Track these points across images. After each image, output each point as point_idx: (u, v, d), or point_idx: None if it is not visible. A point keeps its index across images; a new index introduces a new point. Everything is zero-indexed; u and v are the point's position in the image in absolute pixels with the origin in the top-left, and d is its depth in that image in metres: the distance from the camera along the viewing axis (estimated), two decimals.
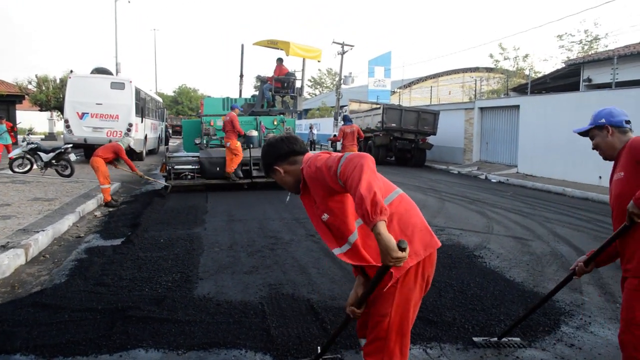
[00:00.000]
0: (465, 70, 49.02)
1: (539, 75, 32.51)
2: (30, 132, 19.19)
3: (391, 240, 2.06)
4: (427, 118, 22.33)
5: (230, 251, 6.32)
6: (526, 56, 36.03)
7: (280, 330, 3.92)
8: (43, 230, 6.96)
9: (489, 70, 41.71)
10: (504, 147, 20.81)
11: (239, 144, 12.32)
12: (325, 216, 2.58)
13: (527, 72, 33.87)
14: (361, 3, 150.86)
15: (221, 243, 6.73)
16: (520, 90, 24.36)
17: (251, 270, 5.51)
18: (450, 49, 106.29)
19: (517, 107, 19.49)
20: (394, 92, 46.11)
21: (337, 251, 2.64)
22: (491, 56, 37.39)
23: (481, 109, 22.28)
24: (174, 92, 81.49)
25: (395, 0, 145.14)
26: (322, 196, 2.54)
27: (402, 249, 2.06)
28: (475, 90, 25.09)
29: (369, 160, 2.24)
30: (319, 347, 3.55)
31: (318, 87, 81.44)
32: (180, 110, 75.32)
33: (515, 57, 35.76)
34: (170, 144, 31.99)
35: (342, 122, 16.48)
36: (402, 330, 2.54)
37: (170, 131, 36.43)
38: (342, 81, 37.75)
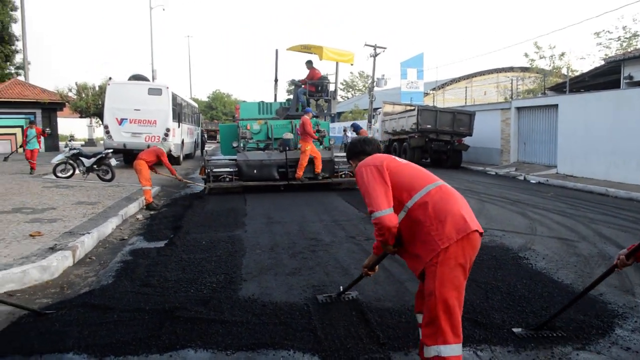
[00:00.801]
0: (499, 71, 48.31)
1: (577, 73, 31.82)
2: (72, 138, 19.57)
3: (388, 248, 3.15)
4: (463, 119, 22.06)
5: (272, 253, 6.33)
6: (562, 54, 35.23)
7: (327, 332, 3.91)
8: (88, 233, 7.10)
9: (524, 69, 40.97)
10: (542, 148, 20.39)
11: (311, 146, 12.84)
12: None
13: (564, 71, 33.20)
14: (393, 4, 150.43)
15: (262, 245, 6.75)
16: (558, 89, 23.85)
17: (294, 272, 5.51)
18: (484, 49, 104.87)
19: (556, 106, 19.08)
20: (426, 93, 45.73)
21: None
22: (526, 55, 36.67)
23: (518, 108, 21.89)
24: (208, 97, 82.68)
25: (427, 0, 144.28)
26: None
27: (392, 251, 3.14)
28: (512, 90, 24.64)
29: (387, 231, 2.96)
30: (341, 287, 4.69)
31: (350, 90, 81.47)
32: (214, 115, 76.32)
33: (552, 56, 35.02)
34: (205, 148, 32.39)
35: (353, 132, 16.64)
36: (449, 309, 2.81)
37: (206, 136, 36.87)
38: (374, 83, 37.59)
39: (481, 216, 9.36)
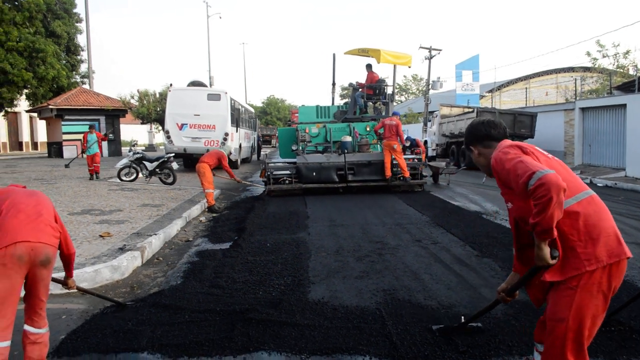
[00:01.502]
0: (558, 71, 46.77)
1: None
2: (136, 143, 19.95)
3: (547, 253, 2.36)
4: (524, 120, 21.41)
5: (338, 256, 6.23)
6: (627, 52, 33.69)
7: (402, 337, 3.76)
8: (155, 234, 7.21)
9: (586, 69, 39.47)
10: (609, 149, 19.51)
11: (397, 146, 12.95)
12: (509, 204, 2.73)
13: (630, 70, 31.76)
14: (449, 6, 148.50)
15: (327, 248, 6.66)
16: (625, 88, 22.79)
17: (362, 275, 5.38)
18: (542, 50, 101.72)
19: (624, 106, 18.21)
20: (482, 96, 44.77)
21: None
22: (588, 54, 35.42)
23: (582, 109, 21.04)
24: (263, 102, 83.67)
25: (483, 1, 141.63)
26: (501, 186, 2.71)
27: (554, 257, 2.38)
28: (575, 90, 23.71)
29: (556, 192, 2.27)
30: (462, 317, 3.93)
31: (404, 93, 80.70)
32: (268, 120, 77.18)
33: (616, 54, 33.56)
34: (262, 152, 32.73)
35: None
36: (580, 340, 2.42)
37: (261, 140, 37.29)
38: (430, 86, 37.01)
39: None
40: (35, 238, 3.08)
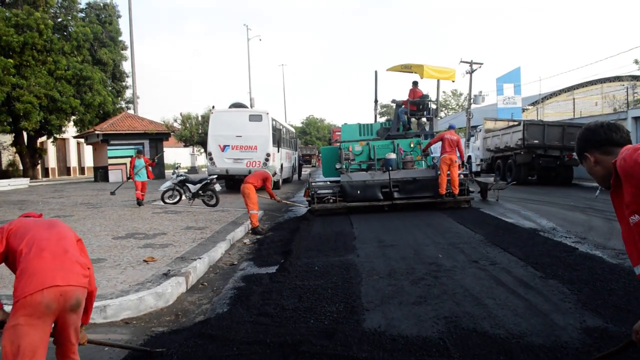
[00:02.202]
0: (603, 81, 45.36)
1: None
2: (179, 166, 20.01)
3: None
4: (574, 132, 20.52)
5: (391, 279, 5.87)
6: None
7: None
8: (200, 258, 7.02)
9: (634, 78, 38.09)
10: None
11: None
12: (635, 217, 2.25)
13: None
14: (489, 19, 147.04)
15: (379, 271, 6.31)
16: None
17: (419, 301, 5.01)
18: (587, 59, 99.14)
19: None
20: (525, 109, 43.77)
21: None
22: (636, 62, 34.03)
23: (635, 118, 20.17)
24: (302, 122, 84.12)
25: (526, 14, 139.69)
26: (635, 194, 2.21)
27: None
28: (627, 99, 22.76)
29: None
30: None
31: (443, 109, 79.77)
32: (308, 140, 77.41)
33: None
34: (302, 172, 32.64)
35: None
36: None
37: (302, 160, 37.23)
38: (472, 100, 36.32)
39: (614, 237, 8.33)
40: (64, 281, 2.76)
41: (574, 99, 31.49)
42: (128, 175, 16.18)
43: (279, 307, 4.97)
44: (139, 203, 14.30)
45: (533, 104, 47.33)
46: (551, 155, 20.48)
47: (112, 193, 17.99)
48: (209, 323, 4.66)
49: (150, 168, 15.04)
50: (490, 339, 3.99)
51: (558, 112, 44.32)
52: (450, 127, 14.02)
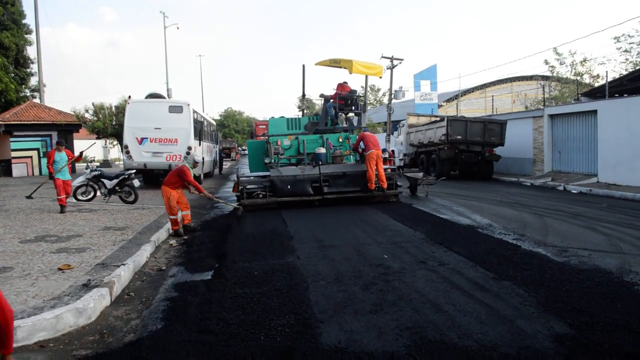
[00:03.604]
0: (512, 80, 47.59)
1: (600, 80, 30.84)
2: (93, 160, 18.49)
3: None
4: (494, 128, 21.16)
5: (340, 285, 5.43)
6: (584, 61, 34.27)
7: None
8: (124, 264, 6.29)
9: (544, 78, 40.07)
10: (579, 156, 19.43)
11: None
12: None
13: (592, 77, 32.29)
14: (408, 17, 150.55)
15: (324, 275, 5.86)
16: (592, 94, 22.89)
17: (375, 309, 4.61)
18: (501, 59, 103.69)
19: (594, 112, 18.17)
20: (440, 105, 45.10)
21: None
22: (546, 62, 35.76)
23: (551, 116, 20.97)
24: (220, 115, 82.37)
25: (442, 13, 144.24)
26: None
27: None
28: (544, 98, 23.69)
29: None
30: None
31: (361, 104, 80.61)
32: (226, 133, 75.90)
33: (572, 63, 34.08)
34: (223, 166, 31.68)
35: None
36: None
37: (222, 154, 36.17)
38: (392, 95, 36.74)
39: (550, 233, 8.45)
40: None
41: (485, 96, 32.43)
42: (50, 173, 11.92)
43: (221, 321, 4.41)
44: (63, 209, 11.44)
45: (448, 100, 48.89)
46: (473, 150, 20.95)
47: (29, 197, 13.87)
48: (141, 344, 4.04)
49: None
50: (461, 351, 3.66)
51: (472, 109, 46.00)
52: (364, 130, 14.21)
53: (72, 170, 21.80)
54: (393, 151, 26.66)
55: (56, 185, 11.56)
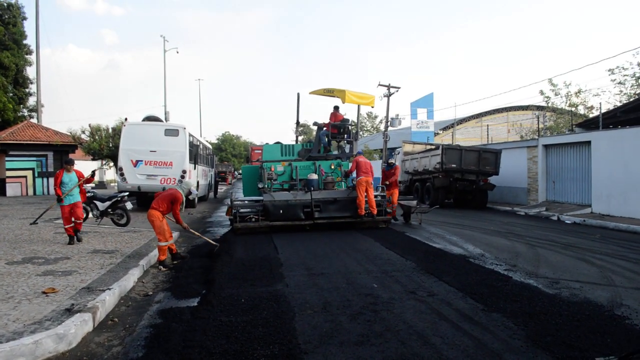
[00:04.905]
0: (509, 109, 47.92)
1: (594, 111, 31.12)
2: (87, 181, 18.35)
3: None
4: (489, 157, 21.23)
5: (327, 314, 5.36)
6: (579, 92, 34.59)
7: None
8: (109, 289, 6.20)
9: (539, 108, 40.37)
10: (573, 186, 19.47)
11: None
12: None
13: (587, 108, 32.52)
14: (406, 47, 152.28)
15: (312, 303, 5.78)
16: (586, 125, 23.04)
17: (361, 340, 4.53)
18: (498, 89, 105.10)
19: (588, 143, 18.26)
20: (437, 133, 45.32)
21: None
22: (542, 92, 36.06)
23: (546, 146, 21.07)
24: (218, 139, 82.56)
25: (440, 46, 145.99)
26: None
27: None
28: (539, 128, 23.81)
29: None
30: None
31: (359, 131, 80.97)
32: (223, 157, 76.00)
33: (567, 94, 34.38)
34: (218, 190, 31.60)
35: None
36: None
37: (218, 178, 36.11)
38: (389, 123, 36.92)
39: (542, 264, 8.39)
40: None
41: (481, 125, 32.63)
42: (58, 197, 10.29)
43: (204, 350, 4.32)
44: (72, 240, 10.02)
45: (444, 128, 49.14)
46: (467, 179, 20.99)
47: (34, 223, 13.13)
48: None
49: (85, 186, 11.07)
50: None
51: (467, 138, 46.20)
52: (359, 153, 14.42)
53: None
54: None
55: (62, 213, 10.33)
